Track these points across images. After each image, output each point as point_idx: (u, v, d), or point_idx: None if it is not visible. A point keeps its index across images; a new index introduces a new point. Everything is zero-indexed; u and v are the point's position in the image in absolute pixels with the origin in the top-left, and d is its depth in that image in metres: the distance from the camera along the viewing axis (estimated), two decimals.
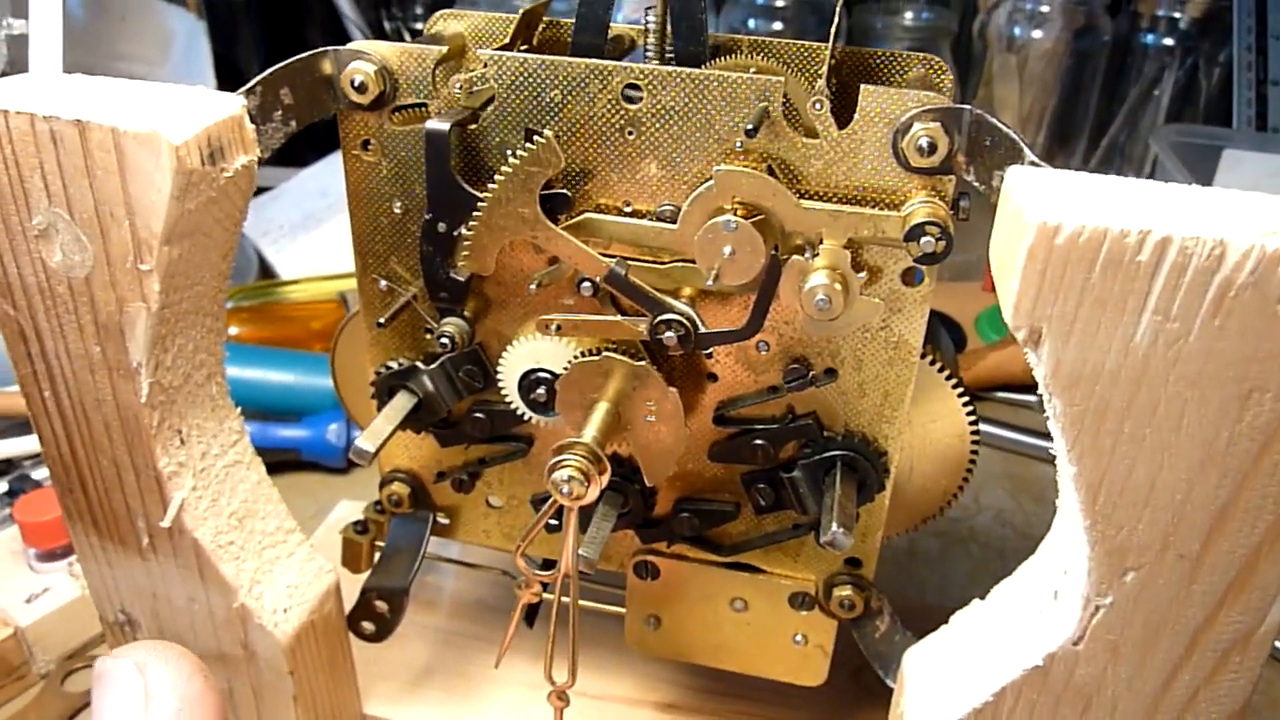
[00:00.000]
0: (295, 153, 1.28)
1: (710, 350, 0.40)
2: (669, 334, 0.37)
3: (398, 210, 0.41)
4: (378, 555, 0.51)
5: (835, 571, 0.45)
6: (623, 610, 0.49)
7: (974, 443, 0.43)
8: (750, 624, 0.47)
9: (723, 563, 0.46)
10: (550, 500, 0.37)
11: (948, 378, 0.41)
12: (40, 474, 0.72)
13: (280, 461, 0.77)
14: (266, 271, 1.00)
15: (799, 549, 0.45)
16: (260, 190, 1.14)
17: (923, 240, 0.34)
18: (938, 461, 0.43)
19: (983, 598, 0.38)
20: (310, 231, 0.97)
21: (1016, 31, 1.29)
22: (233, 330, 0.84)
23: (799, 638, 0.46)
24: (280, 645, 0.43)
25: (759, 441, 0.41)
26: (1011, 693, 0.35)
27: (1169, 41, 1.26)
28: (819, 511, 0.42)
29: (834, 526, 0.38)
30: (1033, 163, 0.31)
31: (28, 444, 0.73)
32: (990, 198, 0.33)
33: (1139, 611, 0.32)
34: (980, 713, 0.35)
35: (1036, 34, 1.27)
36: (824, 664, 0.47)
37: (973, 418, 0.42)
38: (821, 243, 0.36)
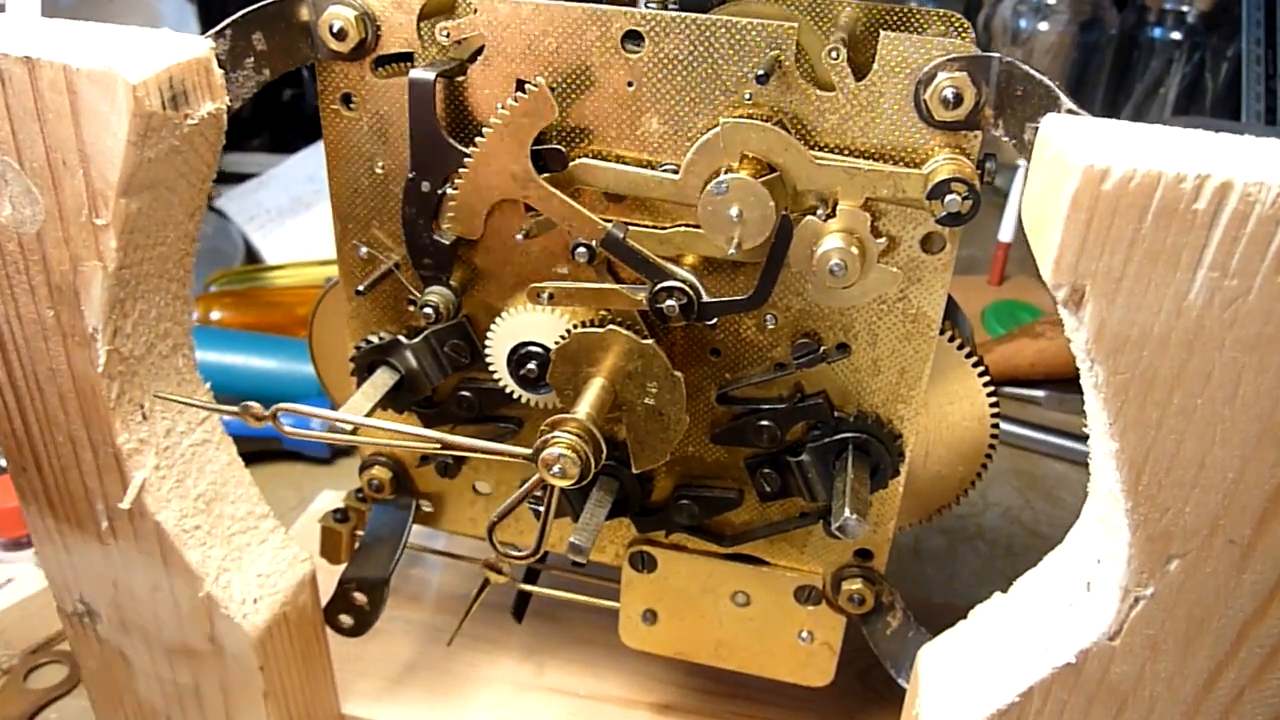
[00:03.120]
0: (285, 139, 1.26)
1: (714, 321, 0.37)
2: (670, 302, 0.35)
3: (379, 170, 0.38)
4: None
5: (844, 564, 0.42)
6: (617, 604, 0.46)
7: (994, 427, 0.40)
8: (753, 619, 0.44)
9: (724, 554, 0.43)
10: (534, 478, 0.34)
11: (967, 356, 0.38)
12: None
13: (261, 451, 0.74)
14: (253, 257, 0.97)
15: (805, 539, 0.42)
16: (248, 176, 1.12)
17: (947, 199, 0.31)
18: (955, 446, 0.41)
19: (989, 596, 0.36)
20: (298, 216, 0.94)
21: (1022, 24, 1.26)
22: (215, 315, 0.81)
23: (804, 634, 0.44)
24: (249, 638, 0.40)
25: (765, 422, 0.38)
26: (1040, 693, 0.32)
27: (1176, 35, 1.24)
28: (828, 498, 0.39)
29: (846, 512, 0.35)
30: (1070, 111, 0.29)
31: None
32: (1020, 154, 0.31)
33: (1182, 603, 0.29)
34: (1005, 714, 0.33)
35: (1043, 26, 1.25)
36: (831, 663, 0.44)
37: (994, 399, 0.39)
38: (836, 203, 0.33)
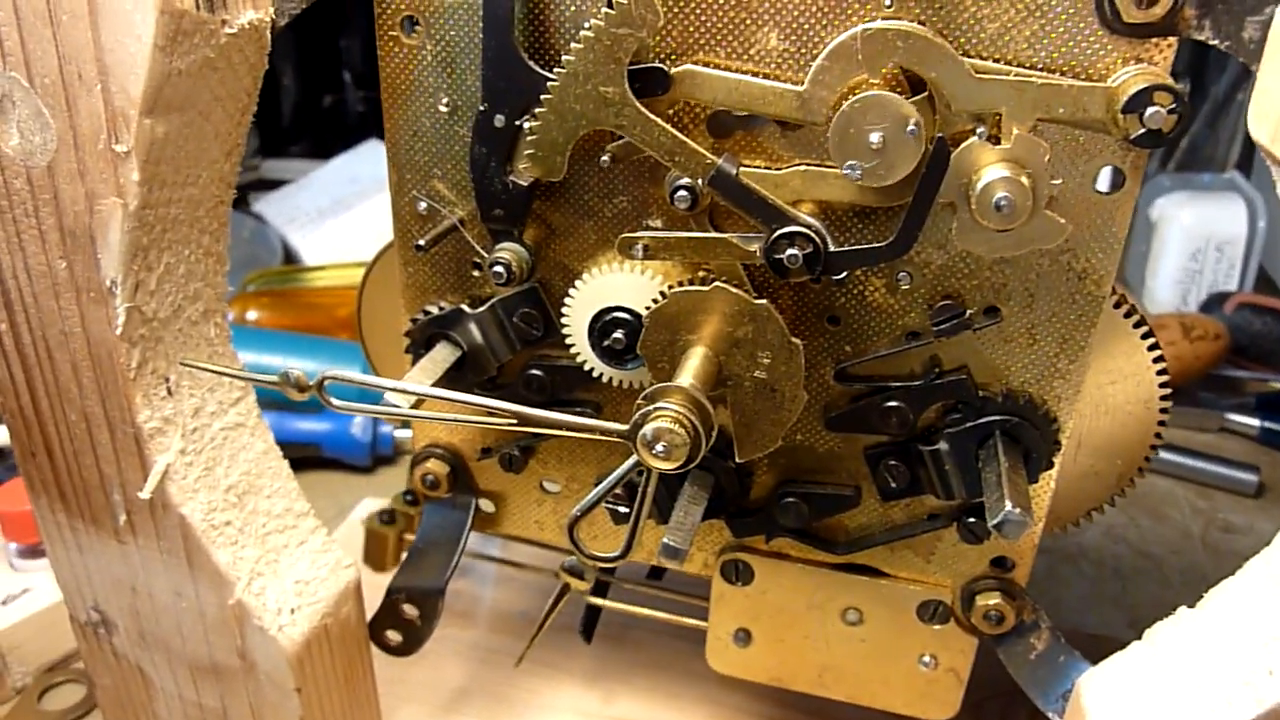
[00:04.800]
0: (326, 146, 1.23)
1: (843, 276, 0.31)
2: (791, 252, 0.29)
3: (444, 108, 0.33)
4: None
5: (978, 575, 0.36)
6: (700, 623, 0.40)
7: (1163, 413, 0.34)
8: (866, 641, 0.38)
9: (835, 564, 0.37)
10: (630, 460, 0.28)
11: (1136, 325, 0.32)
12: None
13: (299, 458, 0.69)
14: (291, 262, 0.93)
15: (933, 546, 0.36)
16: (288, 183, 1.09)
17: (1148, 112, 0.25)
18: (1114, 436, 0.34)
19: (1100, 621, 0.29)
20: (338, 216, 0.90)
21: None
22: (252, 315, 0.77)
23: (927, 659, 0.37)
24: (285, 654, 0.34)
25: (893, 404, 0.32)
26: None
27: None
28: (967, 494, 0.33)
29: (1007, 505, 0.29)
30: None
31: None
32: (1239, 56, 0.25)
33: None
34: None
35: None
36: (957, 693, 0.38)
37: (1164, 380, 0.33)
38: (998, 126, 0.27)
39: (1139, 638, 0.30)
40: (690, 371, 0.29)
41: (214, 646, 0.35)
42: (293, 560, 0.36)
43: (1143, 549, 0.67)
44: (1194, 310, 0.92)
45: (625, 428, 0.27)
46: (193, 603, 0.35)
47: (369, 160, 1.01)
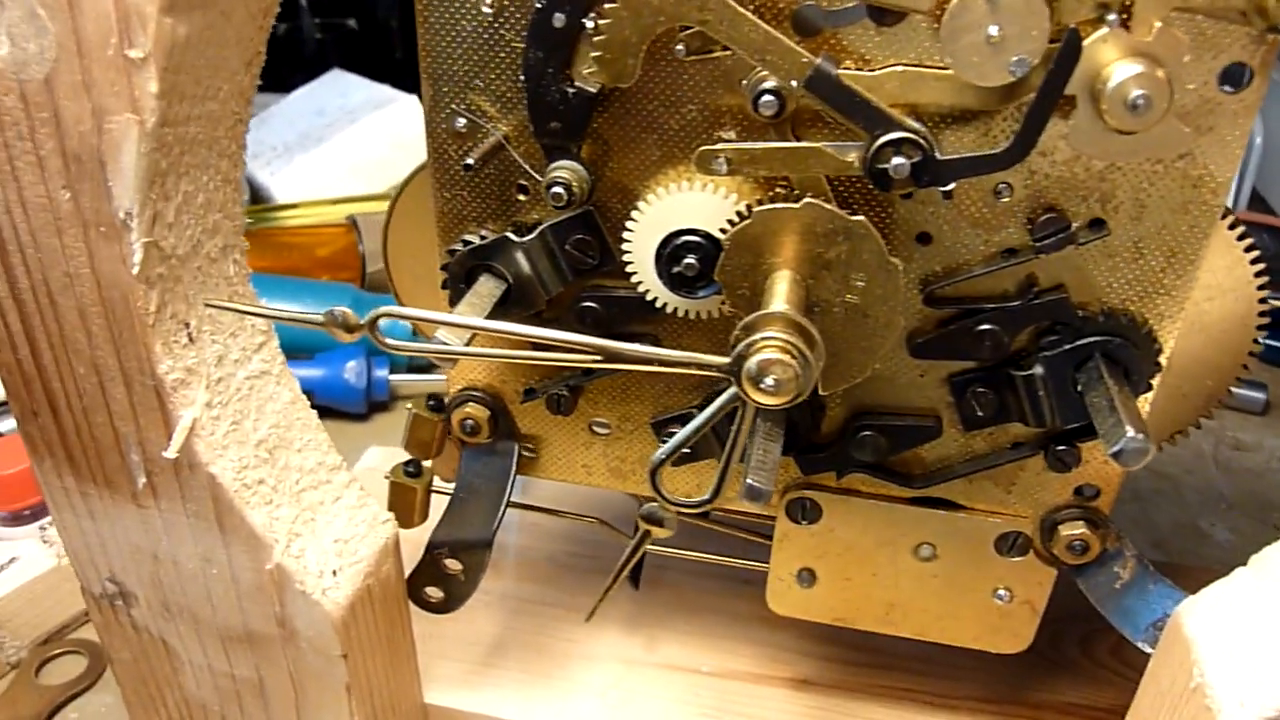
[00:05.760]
0: (282, 78, 1.15)
1: (949, 191, 0.28)
2: (898, 161, 0.26)
3: (487, 9, 0.29)
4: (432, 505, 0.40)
5: (1061, 504, 0.34)
6: (761, 565, 0.38)
7: (1260, 329, 0.32)
8: (938, 576, 0.36)
9: (908, 498, 0.35)
10: (726, 394, 0.25)
11: (1240, 238, 0.30)
12: (12, 422, 0.59)
13: None
14: (259, 200, 0.87)
15: (1015, 476, 0.34)
16: None
17: None
18: (1205, 356, 0.33)
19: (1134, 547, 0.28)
20: (308, 151, 0.85)
21: None
22: None
23: (1002, 592, 0.36)
24: (330, 619, 0.32)
25: (987, 327, 0.30)
26: None
27: None
28: (1061, 420, 0.31)
29: (1129, 430, 0.27)
30: None
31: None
32: None
33: None
34: None
35: None
36: (1031, 625, 0.37)
37: (1264, 293, 0.31)
38: (1128, 15, 0.24)
39: (1164, 557, 0.28)
40: (782, 296, 0.26)
41: (249, 615, 0.33)
42: (329, 518, 0.33)
43: (1160, 470, 0.67)
44: None
45: (726, 361, 0.25)
46: (224, 569, 0.32)
47: (334, 91, 0.95)
